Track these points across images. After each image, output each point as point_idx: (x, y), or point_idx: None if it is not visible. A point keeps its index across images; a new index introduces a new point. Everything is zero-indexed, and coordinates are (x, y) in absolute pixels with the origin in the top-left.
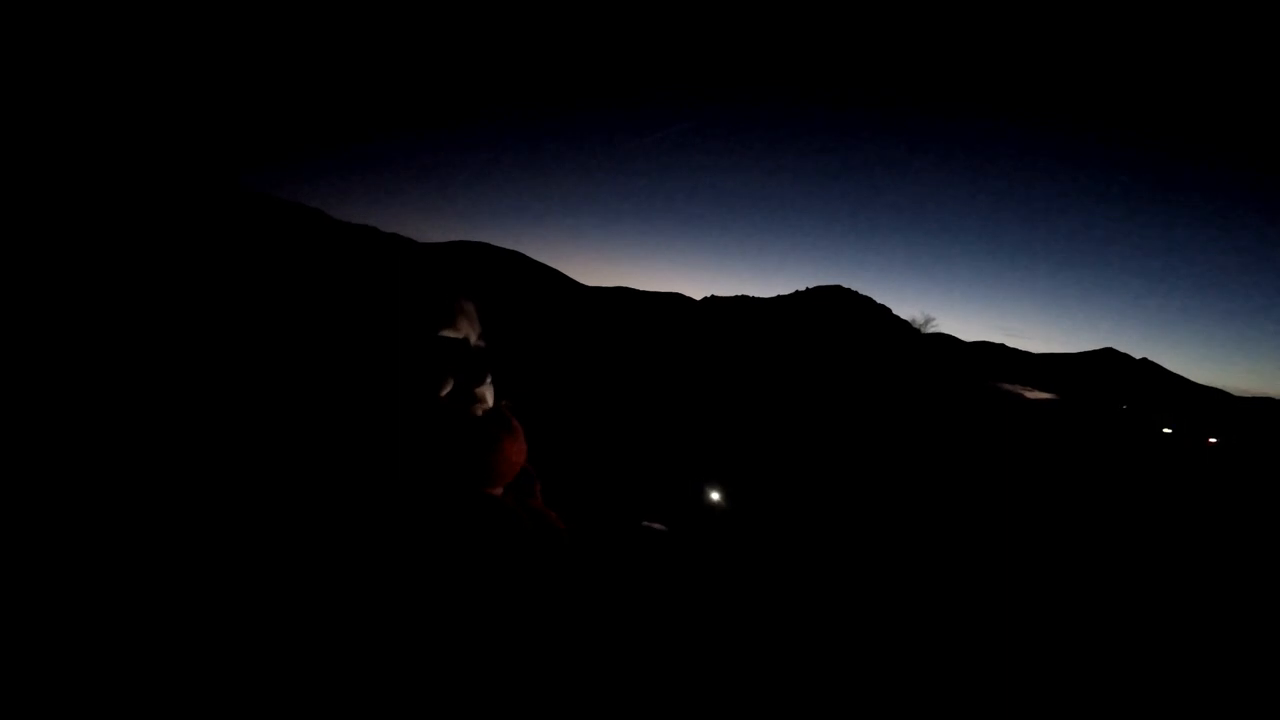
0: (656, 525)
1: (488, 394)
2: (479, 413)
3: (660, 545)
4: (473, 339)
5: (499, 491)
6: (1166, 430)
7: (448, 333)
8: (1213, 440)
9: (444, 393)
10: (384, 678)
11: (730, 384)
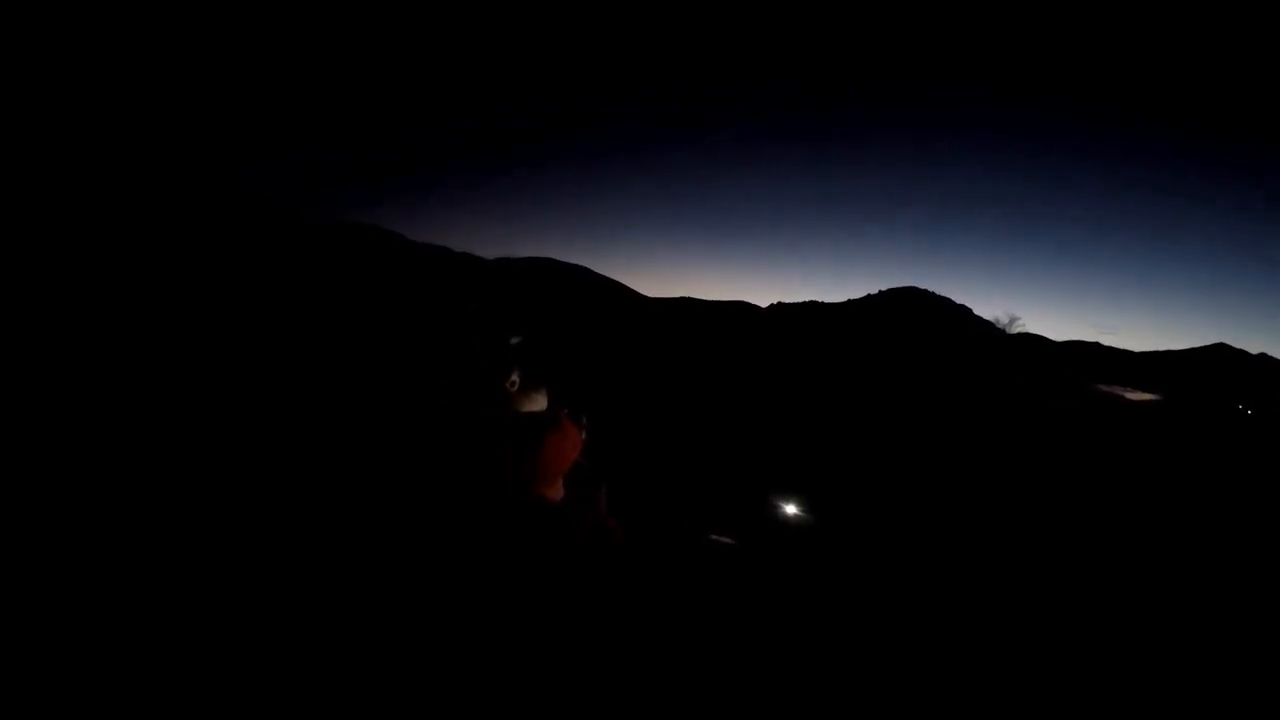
0: (724, 539)
1: (539, 396)
2: (526, 412)
3: (727, 559)
4: (520, 343)
5: (553, 491)
6: None
7: (511, 339)
8: None
9: (505, 387)
10: (400, 673)
11: (802, 392)
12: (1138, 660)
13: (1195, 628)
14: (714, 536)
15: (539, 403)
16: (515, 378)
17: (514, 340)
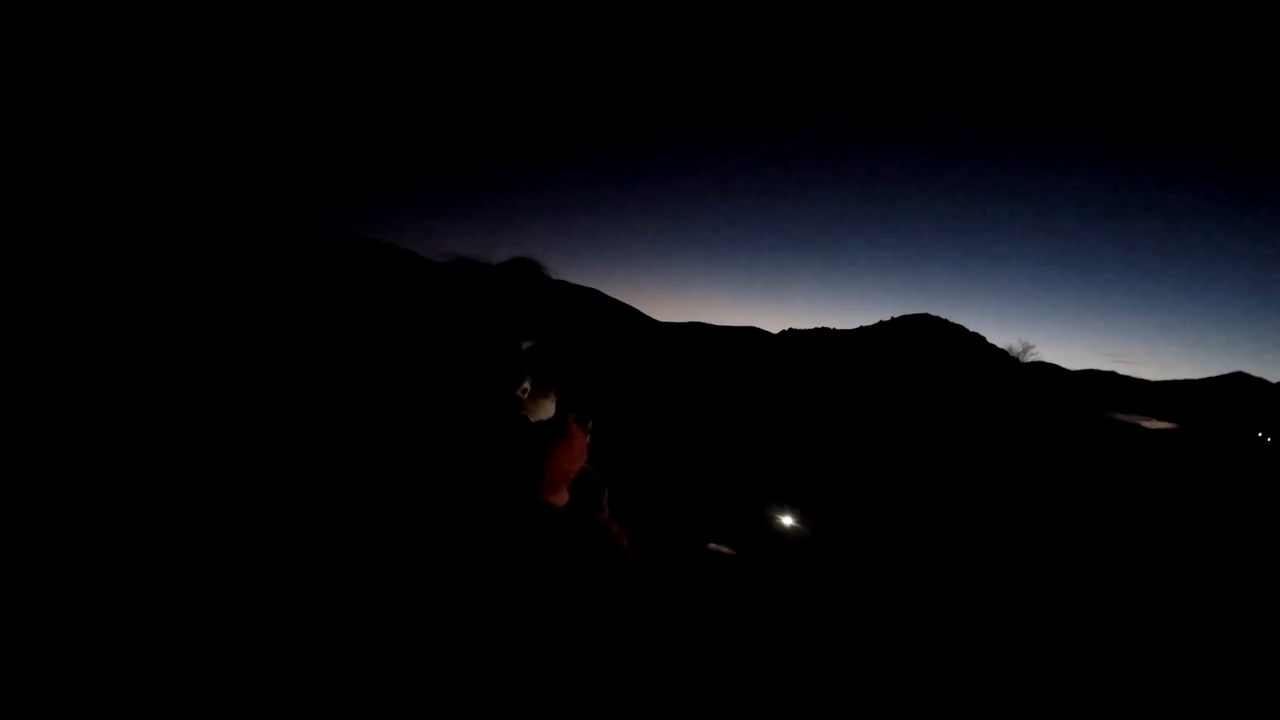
0: (723, 548)
1: (547, 403)
2: (534, 418)
3: (724, 568)
4: (531, 349)
5: (557, 497)
6: None
7: (524, 343)
8: None
9: (517, 395)
10: (404, 676)
11: (811, 416)
12: (1151, 684)
13: (1213, 654)
14: (712, 546)
15: (547, 410)
16: (527, 385)
17: (525, 345)
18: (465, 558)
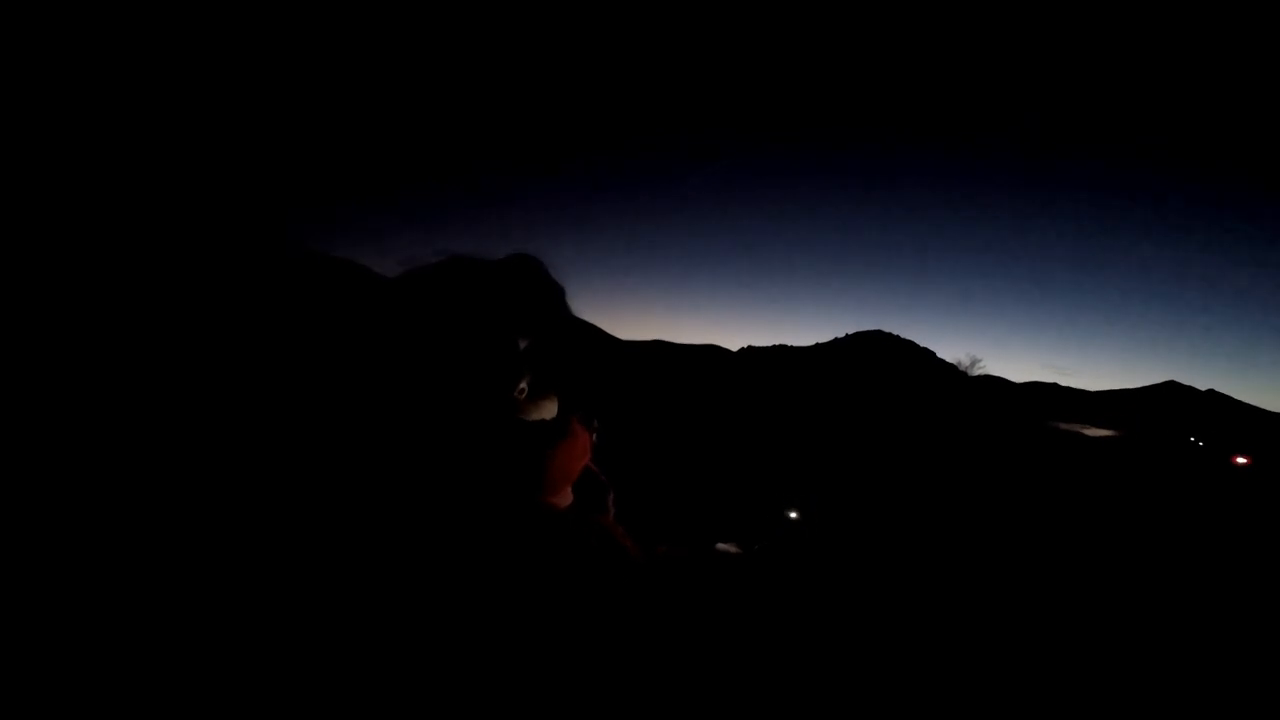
0: (731, 548)
1: (548, 404)
2: (534, 419)
3: (731, 569)
4: (530, 347)
5: (561, 498)
6: (1241, 460)
7: (522, 341)
8: None
9: (514, 396)
10: (402, 678)
11: (768, 432)
12: (1103, 678)
13: (1153, 643)
14: (720, 546)
15: (549, 410)
16: (524, 385)
17: (523, 344)
18: (462, 561)
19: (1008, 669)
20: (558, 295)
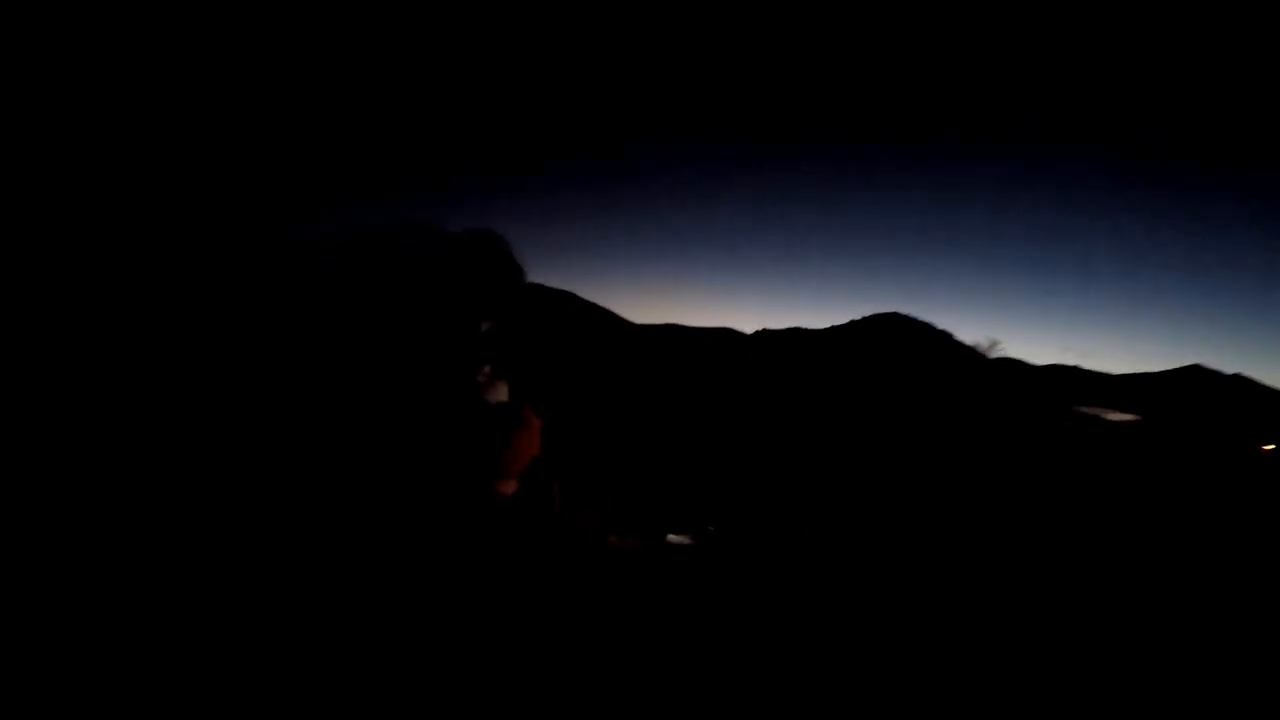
0: (683, 539)
1: (503, 389)
2: (492, 405)
3: (679, 559)
4: (491, 330)
5: (507, 487)
6: (1268, 447)
7: (484, 325)
8: None
9: (478, 379)
10: (367, 669)
11: (780, 413)
12: (1116, 665)
13: (1175, 629)
14: (671, 537)
15: (502, 393)
16: (487, 369)
17: (484, 326)
18: (421, 551)
19: (1029, 649)
20: (518, 276)
